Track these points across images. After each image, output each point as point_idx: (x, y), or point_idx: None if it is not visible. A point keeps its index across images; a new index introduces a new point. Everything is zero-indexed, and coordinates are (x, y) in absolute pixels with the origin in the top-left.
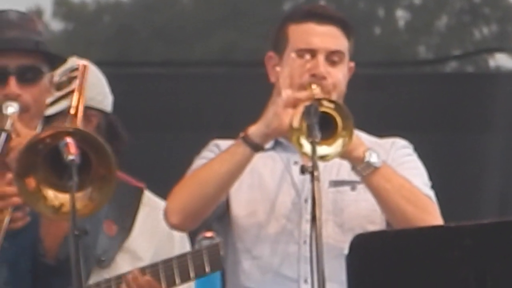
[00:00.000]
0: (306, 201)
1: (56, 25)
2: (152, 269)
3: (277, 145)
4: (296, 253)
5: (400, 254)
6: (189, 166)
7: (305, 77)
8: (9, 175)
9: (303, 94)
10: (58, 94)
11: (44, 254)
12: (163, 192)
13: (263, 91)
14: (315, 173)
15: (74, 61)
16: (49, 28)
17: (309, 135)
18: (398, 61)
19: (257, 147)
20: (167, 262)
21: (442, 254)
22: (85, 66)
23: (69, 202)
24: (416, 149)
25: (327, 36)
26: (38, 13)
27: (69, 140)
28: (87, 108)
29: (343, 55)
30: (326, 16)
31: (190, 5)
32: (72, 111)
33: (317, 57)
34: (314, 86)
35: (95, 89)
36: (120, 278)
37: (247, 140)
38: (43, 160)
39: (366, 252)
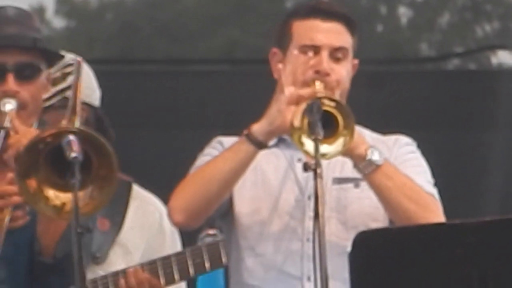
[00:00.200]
0: (309, 198)
1: (59, 23)
2: (151, 266)
3: (280, 142)
4: (300, 250)
5: (403, 252)
6: (192, 164)
7: (308, 74)
8: (10, 174)
9: (305, 91)
10: (54, 90)
11: (41, 252)
12: (167, 189)
13: (266, 89)
14: (318, 170)
15: (67, 57)
16: (51, 26)
17: (312, 132)
18: (400, 58)
19: (260, 145)
20: (166, 259)
21: (445, 252)
22: (79, 62)
23: (71, 200)
24: (418, 146)
25: (331, 33)
26: (41, 10)
27: (72, 137)
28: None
29: (347, 52)
30: (331, 12)
31: (193, 3)
32: (69, 108)
33: (321, 54)
34: (317, 83)
35: (84, 83)
36: (116, 274)
37: (250, 138)
38: (44, 160)
39: (369, 250)
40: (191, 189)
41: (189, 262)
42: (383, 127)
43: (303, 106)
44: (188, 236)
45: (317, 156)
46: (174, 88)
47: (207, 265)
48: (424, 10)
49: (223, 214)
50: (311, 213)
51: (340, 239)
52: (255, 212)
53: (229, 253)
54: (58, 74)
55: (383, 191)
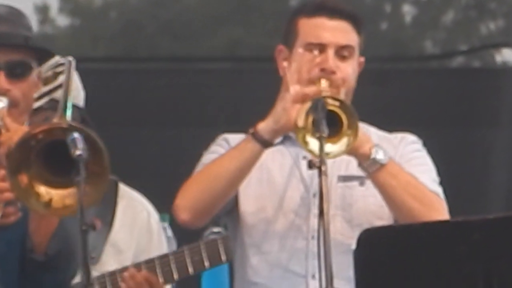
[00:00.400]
0: (314, 196)
1: (63, 21)
2: (148, 265)
3: (286, 139)
4: (304, 248)
5: (407, 249)
6: (197, 162)
7: (314, 72)
8: (1, 171)
9: (311, 90)
10: (45, 89)
11: (33, 249)
12: (171, 188)
13: (269, 87)
14: (323, 168)
15: (57, 57)
16: (55, 24)
17: (316, 131)
18: (404, 56)
19: (266, 143)
20: (164, 258)
21: (449, 249)
22: (70, 62)
23: (64, 197)
24: (423, 144)
25: (337, 31)
26: (45, 8)
27: (76, 135)
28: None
29: (353, 50)
30: (337, 10)
31: (196, 1)
32: (60, 106)
33: (326, 52)
34: (323, 81)
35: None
36: (113, 274)
37: (256, 136)
38: (36, 156)
39: (373, 247)
40: (197, 188)
41: (188, 260)
42: (387, 125)
43: (307, 105)
44: (193, 234)
45: (322, 154)
46: (177, 86)
47: (206, 263)
48: (428, 8)
49: (228, 211)
50: (316, 211)
51: (344, 237)
52: (260, 210)
53: (234, 250)
54: (49, 73)
55: (387, 190)
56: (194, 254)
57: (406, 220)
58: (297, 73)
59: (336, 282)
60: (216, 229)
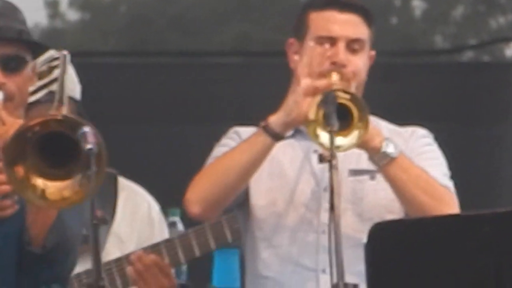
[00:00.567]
0: (325, 189)
1: (73, 15)
2: (154, 249)
3: (297, 133)
4: (315, 242)
5: (418, 243)
6: (206, 156)
7: (325, 65)
8: None
9: (321, 83)
10: (40, 83)
11: (31, 242)
12: (183, 182)
13: (278, 81)
14: (333, 162)
15: (52, 51)
16: (65, 18)
17: (327, 124)
18: (414, 50)
19: (277, 136)
20: (169, 242)
21: (460, 243)
22: (65, 56)
23: (60, 189)
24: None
25: (348, 24)
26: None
27: (86, 129)
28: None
29: (364, 44)
30: (347, 4)
31: None
32: (56, 100)
33: (337, 45)
34: (334, 74)
35: (67, 77)
36: (120, 260)
37: (267, 130)
38: (32, 149)
39: (384, 241)
40: (208, 181)
41: (194, 243)
42: (397, 119)
43: (318, 98)
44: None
45: (332, 147)
46: (186, 80)
47: (212, 244)
48: (438, 3)
49: (239, 204)
50: (326, 205)
51: (355, 231)
52: (271, 203)
53: (245, 243)
54: (44, 68)
55: (397, 183)
56: (200, 236)
57: (416, 214)
58: (308, 66)
59: (346, 277)
60: None
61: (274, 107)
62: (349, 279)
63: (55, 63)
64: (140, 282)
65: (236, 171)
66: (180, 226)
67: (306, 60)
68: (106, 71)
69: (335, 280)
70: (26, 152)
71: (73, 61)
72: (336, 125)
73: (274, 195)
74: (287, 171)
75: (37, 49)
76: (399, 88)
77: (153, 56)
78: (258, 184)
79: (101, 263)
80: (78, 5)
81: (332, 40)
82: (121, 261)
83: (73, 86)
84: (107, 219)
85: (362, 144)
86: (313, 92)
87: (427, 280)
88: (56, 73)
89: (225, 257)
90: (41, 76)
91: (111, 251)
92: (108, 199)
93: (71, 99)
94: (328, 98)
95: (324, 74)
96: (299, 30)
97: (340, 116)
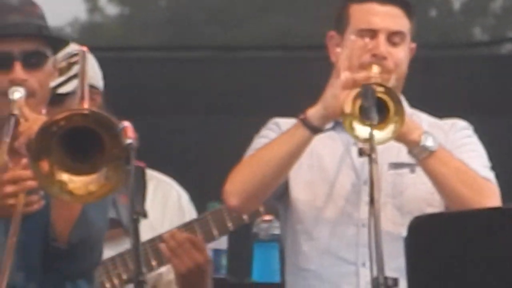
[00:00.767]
0: (365, 183)
1: (112, 10)
2: (187, 227)
3: (337, 125)
4: (355, 236)
5: (458, 236)
6: (245, 150)
7: (365, 58)
8: (24, 160)
9: (360, 76)
10: (60, 78)
11: (56, 238)
12: (222, 175)
13: (318, 75)
14: (373, 156)
15: (72, 47)
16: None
17: (366, 118)
18: (453, 43)
19: (315, 129)
20: (202, 218)
21: (502, 236)
22: (84, 52)
23: (86, 183)
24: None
25: (388, 17)
26: None
27: (126, 124)
28: (91, 87)
29: (404, 36)
30: None
31: None
32: (78, 96)
33: (378, 37)
34: (374, 67)
35: (92, 69)
36: (153, 240)
37: (305, 123)
38: (57, 143)
39: (424, 235)
40: (246, 173)
41: (226, 216)
42: (437, 112)
43: (354, 91)
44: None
45: (372, 141)
46: (225, 74)
47: (245, 217)
48: None
49: (279, 197)
50: (366, 198)
51: (395, 224)
52: (311, 196)
53: (285, 235)
54: (63, 64)
55: (437, 176)
56: (232, 211)
57: (457, 207)
58: (348, 59)
59: (386, 270)
60: (268, 217)
61: (314, 101)
62: (389, 273)
63: (74, 59)
64: (173, 259)
65: (274, 164)
66: None
67: (346, 53)
68: (146, 65)
69: (375, 274)
70: (51, 147)
71: (112, 56)
72: (375, 119)
73: (314, 188)
74: (327, 164)
75: (57, 44)
76: (438, 81)
77: (193, 50)
78: (298, 177)
79: (141, 257)
80: None
81: (373, 33)
82: (155, 241)
83: (99, 77)
84: (146, 213)
85: (401, 138)
86: (352, 85)
87: (468, 275)
88: (75, 69)
89: (264, 251)
90: (61, 72)
91: (143, 236)
92: (137, 192)
93: (95, 88)
94: (366, 92)
95: (365, 67)
96: (340, 23)
97: (376, 110)
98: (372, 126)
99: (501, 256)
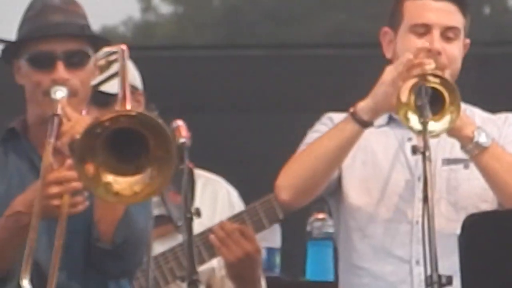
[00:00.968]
0: (419, 179)
1: (166, 9)
2: (236, 218)
3: (391, 121)
4: (409, 233)
5: None
6: (297, 147)
7: (420, 54)
8: (69, 160)
9: (416, 69)
10: (101, 77)
11: (99, 238)
12: (274, 170)
13: (371, 72)
14: (427, 153)
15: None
16: (158, 12)
17: (420, 115)
18: (507, 39)
19: (365, 124)
20: (251, 209)
21: None
22: (123, 50)
23: (132, 184)
24: None
25: (442, 12)
26: None
27: (179, 123)
28: (134, 89)
29: (459, 32)
30: None
31: None
32: (119, 94)
33: (432, 33)
34: (428, 61)
35: (133, 70)
36: (204, 233)
37: (355, 117)
38: (102, 144)
39: (478, 232)
40: (297, 168)
41: (276, 205)
42: (491, 108)
43: (410, 82)
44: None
45: (426, 139)
46: (279, 72)
47: None
48: None
49: (331, 193)
50: (420, 195)
51: (449, 220)
52: (364, 193)
53: (338, 232)
54: (103, 62)
55: (490, 172)
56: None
57: (509, 202)
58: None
59: (440, 265)
60: (320, 215)
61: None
62: (442, 271)
63: (113, 57)
64: (222, 248)
65: (324, 158)
66: None
67: (400, 49)
68: (200, 64)
69: (428, 272)
70: (95, 148)
71: (165, 55)
72: (429, 116)
73: (367, 185)
74: (381, 160)
75: (98, 43)
76: (492, 78)
77: (247, 49)
78: (351, 173)
79: (195, 257)
80: None
81: (427, 28)
82: (205, 234)
83: (139, 79)
84: (177, 200)
85: (454, 133)
86: (405, 78)
87: None
88: (115, 67)
89: (318, 249)
90: (100, 70)
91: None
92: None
93: (137, 89)
94: (421, 89)
95: (420, 64)
96: (394, 19)
97: (431, 101)
98: (426, 124)
99: None
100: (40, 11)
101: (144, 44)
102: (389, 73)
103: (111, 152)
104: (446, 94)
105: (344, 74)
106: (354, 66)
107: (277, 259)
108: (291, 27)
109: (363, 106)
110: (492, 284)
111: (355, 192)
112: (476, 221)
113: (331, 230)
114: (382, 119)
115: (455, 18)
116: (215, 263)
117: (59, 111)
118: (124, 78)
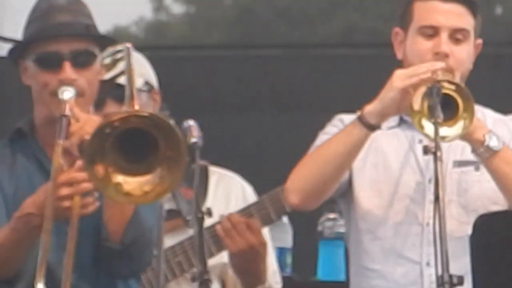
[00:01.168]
0: (430, 181)
1: (178, 8)
2: (244, 211)
3: (402, 122)
4: (420, 234)
5: None
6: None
7: (427, 56)
8: (79, 162)
9: (426, 75)
10: (107, 76)
11: (109, 238)
12: (286, 170)
13: (384, 72)
14: (438, 154)
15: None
16: (170, 11)
17: (431, 116)
18: None
19: (372, 127)
20: (259, 203)
21: None
22: (129, 48)
23: (141, 184)
24: None
25: (451, 14)
26: None
27: (191, 122)
28: (151, 87)
29: (468, 33)
30: None
31: None
32: (127, 95)
33: (440, 35)
34: (439, 64)
35: (148, 68)
36: (212, 227)
37: (362, 120)
38: (111, 144)
39: (489, 233)
40: (306, 170)
41: (283, 198)
42: (503, 109)
43: (422, 89)
44: (308, 221)
45: (437, 139)
46: (292, 72)
47: None
48: None
49: (342, 194)
50: (431, 197)
51: (460, 222)
52: (375, 194)
53: (349, 233)
54: (108, 60)
55: (500, 176)
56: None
57: None
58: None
59: (451, 266)
60: (332, 215)
61: None
62: (453, 272)
63: (119, 55)
64: (227, 239)
65: (332, 162)
66: (285, 219)
67: (409, 51)
68: (212, 64)
69: (439, 272)
70: (105, 148)
71: (178, 54)
72: (440, 116)
73: (378, 186)
74: (392, 162)
75: (104, 43)
76: (504, 78)
77: (259, 49)
78: (362, 175)
79: (205, 256)
80: None
81: (435, 30)
82: (214, 227)
83: (155, 77)
84: (189, 195)
85: (466, 136)
86: (415, 84)
87: None
88: (121, 66)
89: (329, 249)
90: (106, 69)
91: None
92: (199, 190)
93: (153, 87)
94: (432, 90)
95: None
96: (404, 20)
97: (445, 107)
98: (437, 124)
99: None
100: (46, 12)
101: (156, 44)
102: (399, 79)
103: (120, 153)
104: (460, 101)
105: (358, 73)
106: (368, 65)
107: (289, 259)
108: (304, 27)
109: (370, 110)
110: (504, 284)
111: (366, 194)
112: (487, 221)
113: (342, 230)
114: (393, 120)
115: (464, 19)
116: (225, 255)
117: (67, 112)
118: (130, 77)
